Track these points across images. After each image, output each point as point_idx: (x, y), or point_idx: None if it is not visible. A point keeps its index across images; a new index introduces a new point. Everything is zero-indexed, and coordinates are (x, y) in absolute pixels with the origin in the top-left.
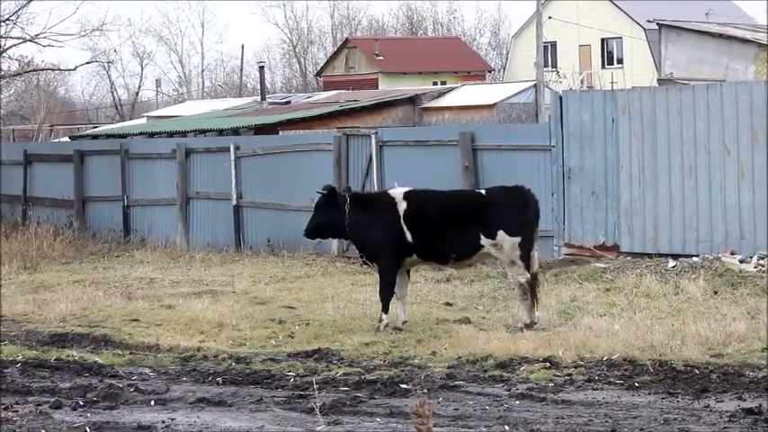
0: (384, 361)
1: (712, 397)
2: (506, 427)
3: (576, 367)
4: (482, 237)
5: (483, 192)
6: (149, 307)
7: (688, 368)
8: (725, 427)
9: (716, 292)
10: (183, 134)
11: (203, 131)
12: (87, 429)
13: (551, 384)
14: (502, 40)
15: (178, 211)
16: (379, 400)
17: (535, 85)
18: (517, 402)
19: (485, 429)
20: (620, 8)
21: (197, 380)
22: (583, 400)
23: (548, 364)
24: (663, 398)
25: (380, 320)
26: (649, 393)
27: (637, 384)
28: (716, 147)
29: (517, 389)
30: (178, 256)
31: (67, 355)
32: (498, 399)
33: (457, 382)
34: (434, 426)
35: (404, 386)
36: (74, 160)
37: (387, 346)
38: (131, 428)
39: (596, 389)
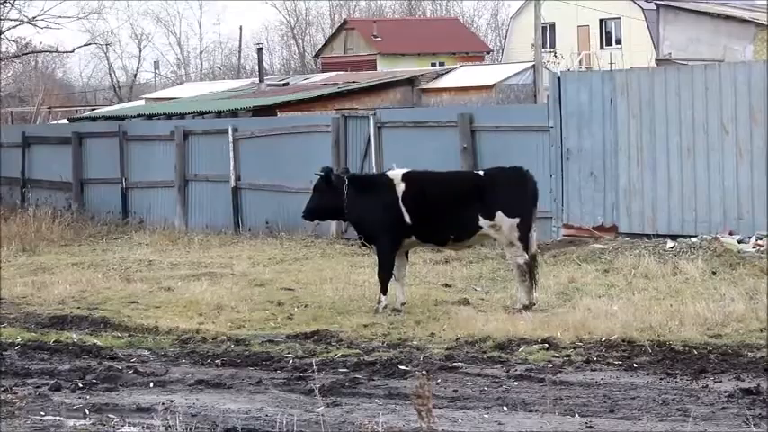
0: (383, 342)
1: (711, 377)
2: (505, 408)
3: (574, 348)
4: (480, 218)
5: (481, 173)
6: (148, 289)
7: (686, 348)
8: (723, 407)
9: (714, 273)
10: (182, 116)
11: (201, 113)
12: (86, 411)
13: (550, 365)
14: (500, 21)
15: (177, 193)
16: (377, 381)
17: (533, 66)
18: (516, 383)
19: (483, 410)
20: None
21: (196, 362)
22: (581, 381)
23: (546, 345)
24: (661, 378)
25: (379, 302)
26: (648, 374)
27: (635, 365)
28: (714, 127)
29: (516, 370)
30: (177, 238)
31: (66, 338)
32: (497, 380)
33: (455, 364)
34: (433, 407)
35: (403, 367)
36: (72, 142)
37: (385, 327)
38: (130, 410)
39: (595, 370)
